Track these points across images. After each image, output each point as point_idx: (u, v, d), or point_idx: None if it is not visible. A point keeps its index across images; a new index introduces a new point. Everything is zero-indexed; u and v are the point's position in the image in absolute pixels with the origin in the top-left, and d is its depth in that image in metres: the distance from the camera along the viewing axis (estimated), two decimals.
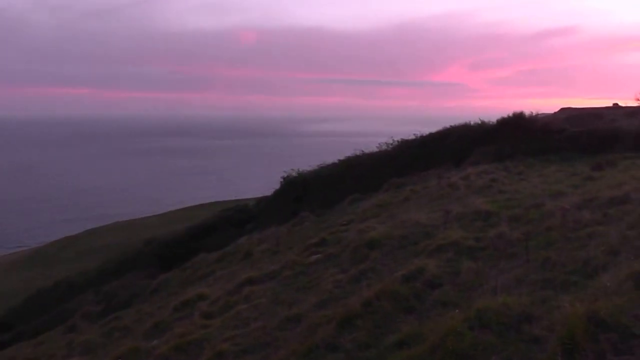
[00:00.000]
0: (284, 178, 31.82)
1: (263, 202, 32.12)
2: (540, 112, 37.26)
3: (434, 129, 32.11)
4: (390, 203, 18.31)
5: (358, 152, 31.84)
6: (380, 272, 9.88)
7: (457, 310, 6.76)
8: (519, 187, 16.51)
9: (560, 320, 5.82)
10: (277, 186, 32.29)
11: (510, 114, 30.65)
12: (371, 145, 32.55)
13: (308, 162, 33.61)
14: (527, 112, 31.25)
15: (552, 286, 7.29)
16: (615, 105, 45.53)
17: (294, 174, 31.52)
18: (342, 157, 32.10)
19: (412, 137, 31.19)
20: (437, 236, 11.20)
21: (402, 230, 12.41)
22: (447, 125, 31.52)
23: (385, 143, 31.73)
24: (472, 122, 31.16)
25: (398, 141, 31.22)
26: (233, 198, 53.76)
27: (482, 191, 16.34)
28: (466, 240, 10.40)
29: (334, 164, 31.52)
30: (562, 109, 49.99)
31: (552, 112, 48.33)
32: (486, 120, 31.03)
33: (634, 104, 41.33)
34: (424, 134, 31.06)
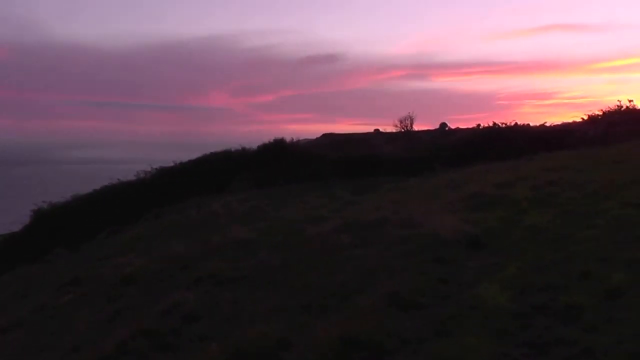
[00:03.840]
0: (34, 211, 29.68)
1: (11, 240, 29.69)
2: (303, 138, 38.39)
3: (197, 154, 31.84)
4: (149, 235, 17.80)
5: (116, 181, 30.66)
6: (137, 310, 9.44)
7: (214, 344, 6.59)
8: (280, 213, 16.77)
9: (315, 344, 5.90)
10: (28, 221, 30.06)
11: (272, 140, 31.27)
12: (131, 173, 31.53)
13: (64, 193, 31.63)
14: (288, 138, 32.10)
15: (310, 311, 7.35)
16: (377, 131, 48.28)
17: (46, 206, 29.55)
18: (99, 187, 30.73)
19: (172, 164, 30.71)
20: (196, 268, 10.95)
21: (160, 264, 12.04)
22: (209, 151, 31.41)
23: (144, 171, 30.91)
24: (233, 149, 31.34)
25: (157, 169, 30.57)
26: None
27: (243, 219, 16.38)
28: (225, 271, 10.23)
29: (90, 194, 30.04)
30: (325, 135, 51.98)
31: (315, 137, 50.01)
32: (248, 146, 31.39)
33: (394, 130, 44.31)
34: (184, 161, 30.70)
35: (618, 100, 30.80)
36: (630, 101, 30.59)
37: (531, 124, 34.51)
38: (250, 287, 9.24)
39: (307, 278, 8.93)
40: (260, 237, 13.07)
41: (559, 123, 33.85)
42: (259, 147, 30.43)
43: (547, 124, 34.72)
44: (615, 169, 16.51)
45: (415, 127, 44.83)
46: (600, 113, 31.03)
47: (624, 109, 30.38)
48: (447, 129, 47.28)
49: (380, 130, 47.14)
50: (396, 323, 6.26)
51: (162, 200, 24.77)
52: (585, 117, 31.59)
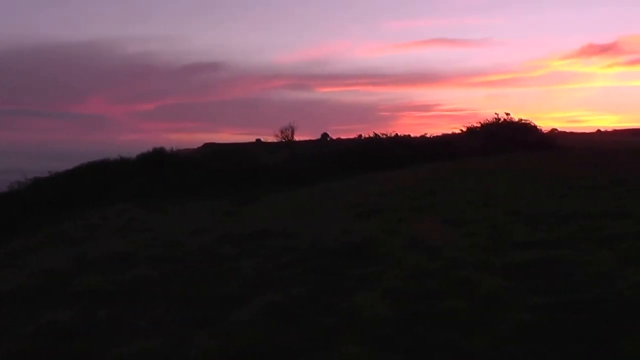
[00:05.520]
0: None
1: None
2: (184, 148, 37.97)
3: (74, 164, 30.83)
4: (23, 249, 16.95)
5: None
6: (10, 329, 8.97)
7: None
8: (160, 225, 16.44)
9: (195, 359, 5.84)
10: None
11: (151, 150, 30.68)
12: (3, 185, 30.11)
13: None
14: (168, 147, 31.63)
15: (191, 324, 7.22)
16: (258, 141, 48.48)
17: None
18: None
19: (47, 174, 29.59)
20: (72, 283, 10.54)
21: (35, 280, 11.49)
22: (86, 161, 30.49)
23: (18, 182, 29.60)
24: (111, 158, 30.53)
25: (32, 179, 29.36)
26: None
27: (122, 231, 15.96)
28: (103, 285, 9.92)
29: None
30: (206, 145, 51.70)
31: (196, 147, 49.61)
32: (127, 155, 30.66)
33: (275, 140, 44.69)
34: (60, 171, 29.64)
35: (495, 113, 32.31)
36: (507, 114, 32.16)
37: (412, 135, 35.63)
38: (129, 301, 8.99)
39: (187, 291, 8.82)
40: (139, 249, 12.76)
41: (439, 134, 35.12)
42: (137, 156, 29.82)
43: (428, 135, 35.93)
44: (492, 178, 17.25)
45: (297, 137, 45.42)
46: (479, 125, 32.38)
47: (502, 122, 31.86)
48: (328, 139, 47.98)
49: (262, 140, 47.44)
50: (276, 335, 6.25)
51: (37, 213, 23.74)
52: (465, 129, 32.88)
